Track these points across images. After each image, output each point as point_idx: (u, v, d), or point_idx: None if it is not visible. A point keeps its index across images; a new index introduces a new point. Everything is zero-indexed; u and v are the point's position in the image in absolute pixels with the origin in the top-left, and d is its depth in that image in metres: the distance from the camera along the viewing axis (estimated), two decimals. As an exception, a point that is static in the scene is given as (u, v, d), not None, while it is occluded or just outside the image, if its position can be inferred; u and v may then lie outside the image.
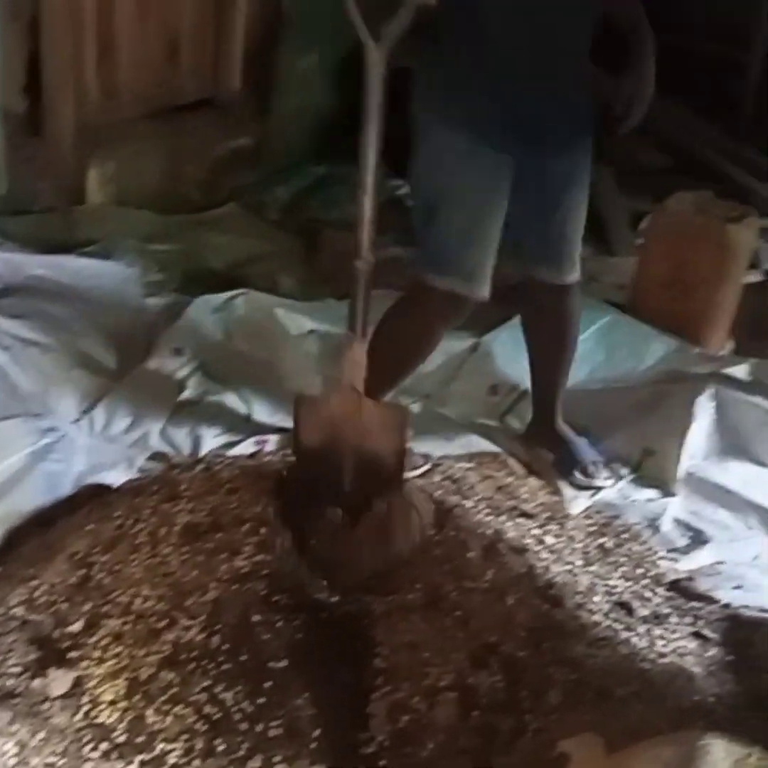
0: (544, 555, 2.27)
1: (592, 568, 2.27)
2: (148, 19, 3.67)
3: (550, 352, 2.58)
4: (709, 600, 2.27)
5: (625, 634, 2.05)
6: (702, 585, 2.31)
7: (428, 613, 1.99)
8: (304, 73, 4.23)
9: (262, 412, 2.73)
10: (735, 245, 3.18)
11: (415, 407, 2.81)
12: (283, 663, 1.86)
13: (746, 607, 2.20)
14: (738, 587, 2.29)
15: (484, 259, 2.26)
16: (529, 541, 2.31)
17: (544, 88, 2.10)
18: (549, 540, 2.37)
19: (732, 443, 2.73)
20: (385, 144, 4.51)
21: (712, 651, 2.10)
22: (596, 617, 2.08)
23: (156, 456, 2.55)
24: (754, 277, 3.59)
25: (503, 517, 2.40)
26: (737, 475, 2.65)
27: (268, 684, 1.83)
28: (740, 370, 2.83)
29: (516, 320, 3.10)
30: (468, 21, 2.06)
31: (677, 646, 2.07)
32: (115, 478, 2.41)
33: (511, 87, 2.08)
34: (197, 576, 1.98)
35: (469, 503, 2.44)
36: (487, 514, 2.40)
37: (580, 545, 2.37)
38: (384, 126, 2.05)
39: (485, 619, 1.99)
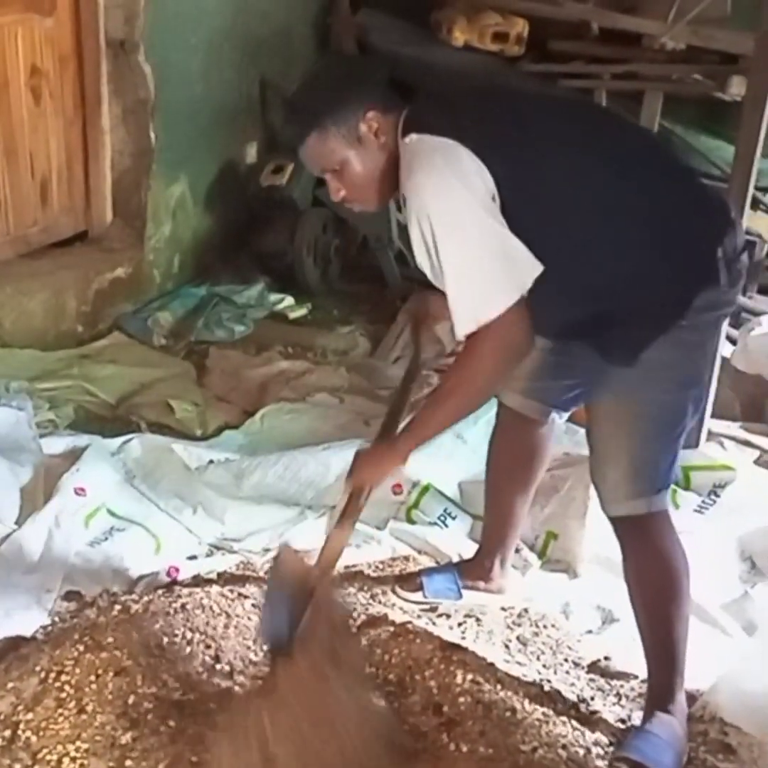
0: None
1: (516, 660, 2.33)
2: (16, 163, 3.71)
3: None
4: (628, 677, 2.35)
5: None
6: (619, 663, 2.39)
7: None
8: (176, 200, 4.32)
9: (170, 543, 2.73)
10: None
11: (322, 520, 2.86)
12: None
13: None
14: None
15: None
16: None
17: None
18: (470, 636, 2.43)
19: (628, 519, 2.85)
20: (269, 262, 4.64)
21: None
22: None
23: (68, 596, 2.52)
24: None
25: (423, 620, 2.44)
26: (637, 550, 2.76)
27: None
28: (627, 450, 2.96)
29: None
30: None
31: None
32: (28, 624, 2.37)
33: None
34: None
35: (385, 609, 2.49)
36: (405, 616, 2.45)
37: (500, 639, 2.42)
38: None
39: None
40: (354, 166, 1.98)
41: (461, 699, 2.11)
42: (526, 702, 2.14)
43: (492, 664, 2.27)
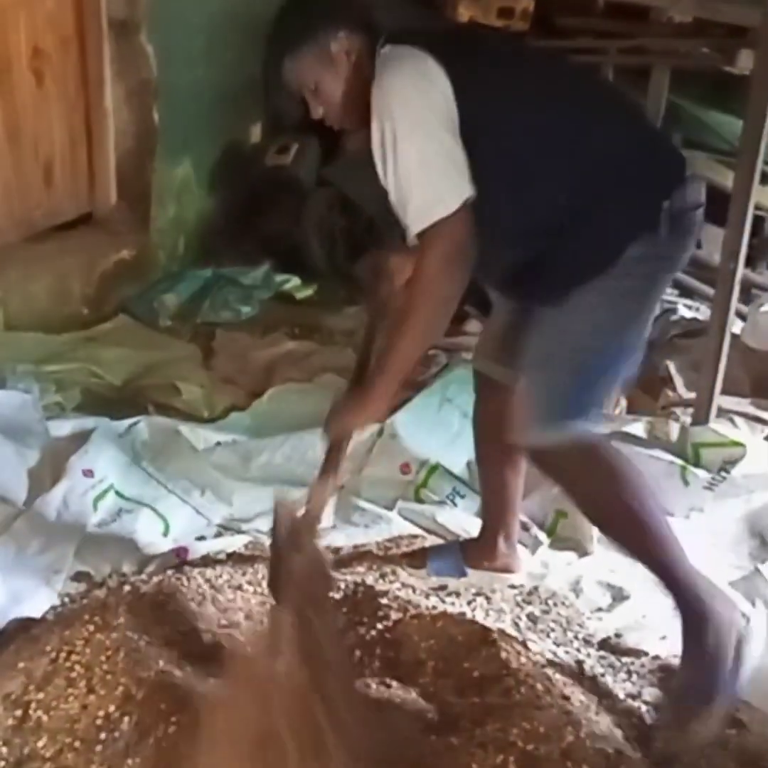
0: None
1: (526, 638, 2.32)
2: (20, 145, 3.70)
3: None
4: (639, 654, 2.35)
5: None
6: (630, 640, 2.38)
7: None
8: (180, 182, 4.31)
9: (178, 525, 2.73)
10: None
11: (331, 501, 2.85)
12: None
13: (675, 655, 2.26)
14: (664, 638, 2.36)
15: None
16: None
17: None
18: (479, 615, 2.42)
19: (638, 496, 2.83)
20: (274, 243, 4.62)
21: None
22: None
23: (77, 577, 2.53)
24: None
25: (433, 599, 2.44)
26: (647, 527, 2.74)
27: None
28: (637, 428, 2.95)
29: (414, 401, 3.21)
30: None
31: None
32: (38, 605, 2.38)
33: None
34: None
35: (394, 587, 2.48)
36: (414, 594, 2.44)
37: (510, 617, 2.42)
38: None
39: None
40: (328, 85, 2.09)
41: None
42: (548, 681, 2.11)
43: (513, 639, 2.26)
